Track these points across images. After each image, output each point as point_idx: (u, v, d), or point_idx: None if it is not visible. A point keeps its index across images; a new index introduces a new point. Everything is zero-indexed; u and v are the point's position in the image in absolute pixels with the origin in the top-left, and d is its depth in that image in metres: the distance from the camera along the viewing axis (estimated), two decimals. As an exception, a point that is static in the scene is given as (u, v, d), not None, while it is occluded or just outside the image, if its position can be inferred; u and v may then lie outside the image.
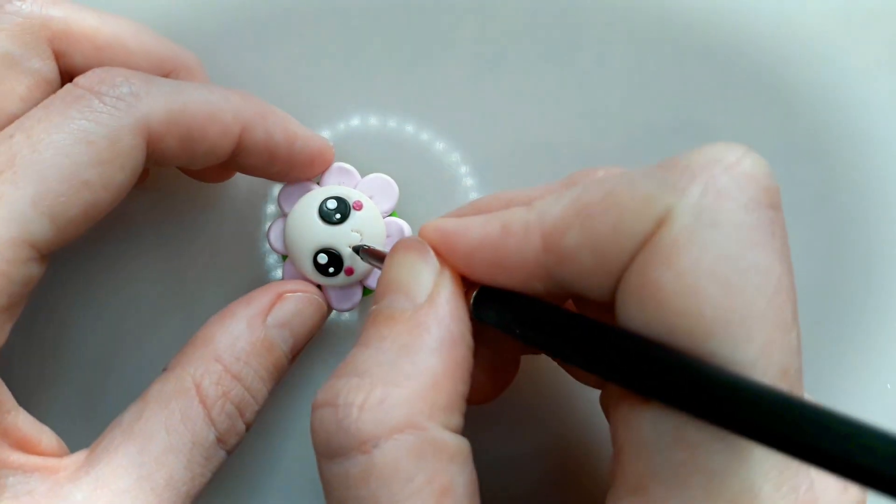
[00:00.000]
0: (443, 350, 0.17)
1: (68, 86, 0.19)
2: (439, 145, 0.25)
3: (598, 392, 0.21)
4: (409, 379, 0.16)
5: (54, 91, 0.20)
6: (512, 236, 0.17)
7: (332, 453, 0.16)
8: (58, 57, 0.21)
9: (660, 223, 0.14)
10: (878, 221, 0.25)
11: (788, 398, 0.12)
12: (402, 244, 0.19)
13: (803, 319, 0.16)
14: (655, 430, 0.15)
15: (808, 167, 0.25)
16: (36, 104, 0.19)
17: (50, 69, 0.21)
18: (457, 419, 0.17)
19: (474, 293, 0.18)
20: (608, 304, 0.16)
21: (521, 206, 0.17)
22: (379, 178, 0.24)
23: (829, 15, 0.25)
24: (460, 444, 0.16)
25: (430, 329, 0.17)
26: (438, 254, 0.18)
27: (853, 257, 0.25)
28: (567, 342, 0.16)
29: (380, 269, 0.19)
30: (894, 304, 0.26)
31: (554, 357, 0.21)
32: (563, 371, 0.21)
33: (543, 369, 0.24)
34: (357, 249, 0.23)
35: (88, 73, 0.19)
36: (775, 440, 0.12)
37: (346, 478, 0.16)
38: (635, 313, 0.15)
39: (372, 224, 0.23)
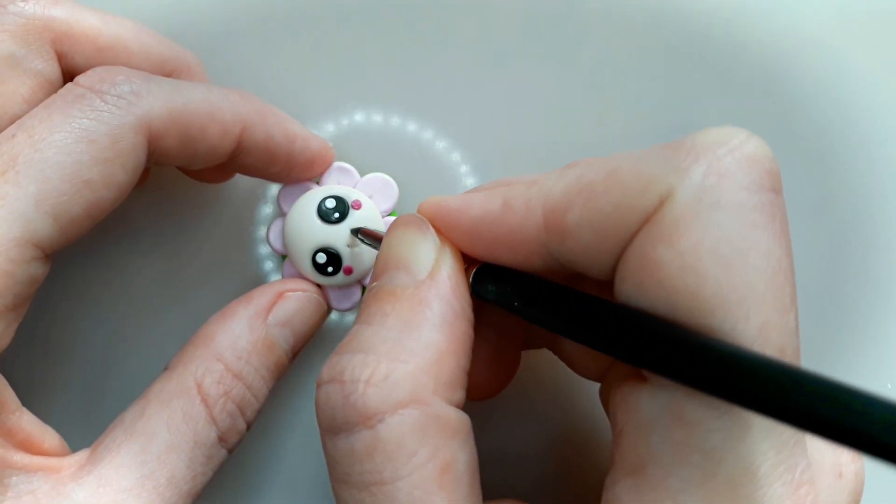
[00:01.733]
0: (445, 326, 0.17)
1: (69, 85, 0.19)
2: (440, 144, 0.25)
3: (597, 386, 0.21)
4: (413, 355, 0.16)
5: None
6: (513, 213, 0.17)
7: (337, 428, 0.16)
8: (60, 58, 0.21)
9: (662, 202, 0.15)
10: (879, 222, 0.26)
11: (789, 368, 0.13)
12: (401, 220, 0.19)
13: (803, 319, 0.16)
14: (654, 409, 0.15)
15: (808, 167, 0.25)
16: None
17: (52, 70, 0.21)
18: (459, 394, 0.17)
19: (474, 270, 0.18)
20: (607, 284, 0.16)
21: (522, 184, 0.17)
22: (378, 178, 0.24)
23: (830, 15, 0.25)
24: (462, 420, 0.17)
25: (433, 305, 0.17)
26: (438, 230, 0.18)
27: (853, 257, 0.26)
28: (567, 316, 0.16)
29: (377, 249, 0.19)
30: (894, 304, 0.26)
31: (553, 332, 0.21)
32: (562, 365, 0.21)
33: (543, 363, 0.24)
34: (355, 232, 0.23)
35: (89, 72, 0.19)
36: (778, 410, 0.12)
37: (350, 452, 0.16)
38: (635, 291, 0.15)
39: (371, 223, 0.23)
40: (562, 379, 0.25)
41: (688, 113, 0.25)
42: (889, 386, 0.26)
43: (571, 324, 0.16)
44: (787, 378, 0.12)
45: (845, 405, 0.12)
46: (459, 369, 0.17)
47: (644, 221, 0.15)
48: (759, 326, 0.14)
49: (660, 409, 0.15)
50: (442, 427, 0.16)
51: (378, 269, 0.18)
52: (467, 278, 0.18)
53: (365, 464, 0.16)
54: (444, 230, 0.18)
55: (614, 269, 0.16)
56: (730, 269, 0.14)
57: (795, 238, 0.16)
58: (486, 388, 0.21)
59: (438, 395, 0.16)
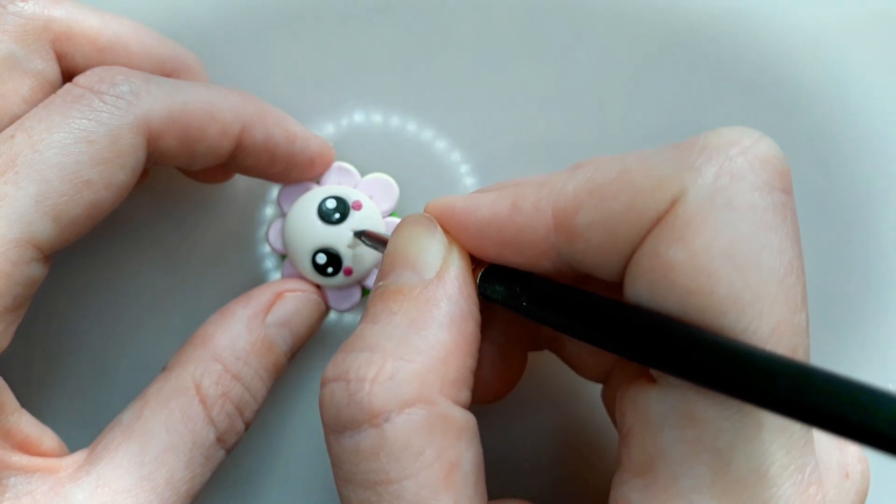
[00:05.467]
0: (453, 325, 0.17)
1: (68, 85, 0.19)
2: (440, 144, 0.25)
3: (599, 386, 0.21)
4: (419, 353, 0.16)
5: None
6: (522, 214, 0.17)
7: (342, 427, 0.16)
8: (59, 58, 0.21)
9: (674, 202, 0.15)
10: (880, 222, 0.25)
11: (806, 366, 0.13)
12: (408, 219, 0.19)
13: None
14: (664, 409, 0.15)
15: (810, 168, 0.25)
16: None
17: (52, 70, 0.21)
18: (465, 394, 0.17)
19: (481, 271, 0.18)
20: (616, 285, 0.16)
21: (531, 185, 0.17)
22: (379, 179, 0.24)
23: (831, 15, 0.25)
24: (468, 420, 0.17)
25: (440, 304, 0.17)
26: (445, 230, 0.18)
27: (854, 258, 0.25)
28: (578, 317, 0.16)
29: (382, 251, 0.19)
30: (895, 304, 0.26)
31: (563, 333, 0.21)
32: (564, 366, 0.21)
33: (544, 364, 0.24)
34: (359, 234, 0.23)
35: (88, 73, 0.19)
36: (795, 407, 0.12)
37: (356, 451, 0.16)
38: (645, 292, 0.15)
39: (371, 224, 0.23)
40: (563, 380, 0.25)
41: (687, 113, 0.25)
42: (890, 386, 0.26)
43: (582, 324, 0.16)
44: (803, 376, 0.12)
45: (864, 404, 0.12)
46: (466, 369, 0.17)
47: (655, 222, 0.15)
48: (772, 326, 0.14)
49: (670, 409, 0.15)
50: (448, 427, 0.16)
51: (385, 268, 0.18)
52: (474, 279, 0.18)
53: (371, 462, 0.16)
54: (452, 231, 0.18)
55: (624, 270, 0.15)
56: (743, 269, 0.14)
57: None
58: (492, 392, 0.21)
59: (445, 395, 0.16)
